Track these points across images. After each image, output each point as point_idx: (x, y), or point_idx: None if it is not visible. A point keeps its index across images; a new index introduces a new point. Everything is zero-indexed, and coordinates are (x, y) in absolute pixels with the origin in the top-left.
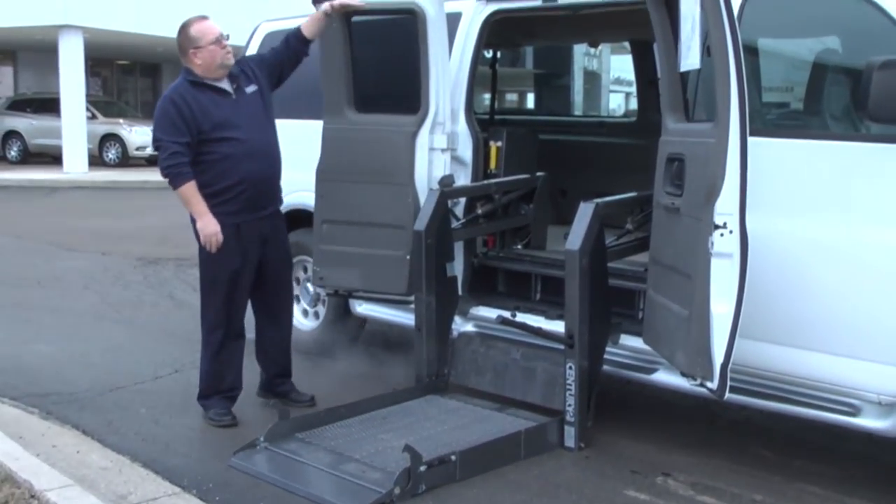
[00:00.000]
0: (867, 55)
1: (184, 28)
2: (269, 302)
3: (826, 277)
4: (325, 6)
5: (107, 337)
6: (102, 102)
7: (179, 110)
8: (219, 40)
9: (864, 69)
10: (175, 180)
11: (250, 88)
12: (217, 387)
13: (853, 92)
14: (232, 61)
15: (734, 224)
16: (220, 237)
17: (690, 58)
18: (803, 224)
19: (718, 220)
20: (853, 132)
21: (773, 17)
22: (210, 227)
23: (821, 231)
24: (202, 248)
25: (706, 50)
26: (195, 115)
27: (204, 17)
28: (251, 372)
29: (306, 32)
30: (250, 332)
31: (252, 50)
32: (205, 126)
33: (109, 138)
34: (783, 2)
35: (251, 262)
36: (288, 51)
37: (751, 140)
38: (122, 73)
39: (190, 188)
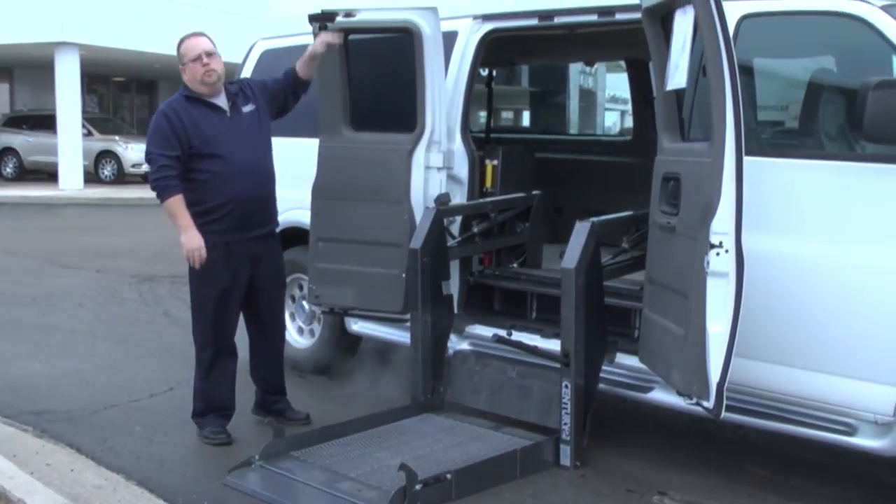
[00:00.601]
0: (862, 75)
1: (178, 44)
2: (260, 321)
3: (822, 296)
4: (318, 46)
5: (101, 354)
6: (98, 119)
7: (171, 124)
8: (199, 58)
9: (859, 89)
10: (162, 193)
11: (247, 108)
12: (210, 404)
13: (848, 112)
14: (213, 79)
15: (730, 243)
16: (204, 252)
17: (677, 77)
18: (799, 243)
19: (714, 240)
20: (848, 152)
21: (768, 36)
22: (193, 241)
23: (816, 250)
24: (193, 271)
25: (702, 69)
26: (186, 130)
27: (195, 35)
28: (247, 390)
29: (301, 73)
30: (245, 350)
31: (248, 67)
32: (195, 141)
33: (105, 155)
34: (778, 21)
35: (240, 281)
36: (287, 84)
37: (746, 159)
38: (119, 89)
39: (176, 202)
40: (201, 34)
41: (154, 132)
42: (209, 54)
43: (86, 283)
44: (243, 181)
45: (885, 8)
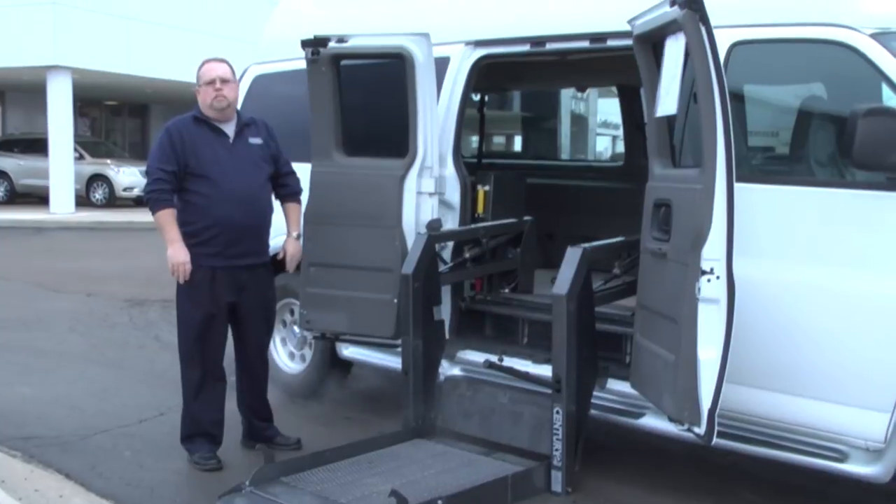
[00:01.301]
0: (852, 102)
1: (199, 65)
2: (245, 350)
3: (812, 323)
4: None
5: (91, 379)
6: (90, 143)
7: (171, 140)
8: (213, 82)
9: (848, 116)
10: (154, 205)
11: (255, 140)
12: (199, 428)
13: (838, 139)
14: (222, 105)
15: (721, 270)
16: (189, 267)
17: (667, 104)
18: (790, 269)
19: (705, 266)
20: (838, 179)
21: (759, 63)
22: (179, 255)
23: (807, 277)
24: (179, 290)
25: (693, 96)
26: (185, 148)
27: (216, 60)
28: (238, 414)
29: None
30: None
31: (241, 92)
32: (191, 160)
33: (97, 179)
34: (769, 49)
35: (225, 307)
36: (278, 180)
37: (737, 186)
38: (111, 113)
39: (166, 215)
40: (223, 60)
41: (156, 147)
42: (224, 81)
43: (76, 307)
44: (234, 207)
45: (874, 36)
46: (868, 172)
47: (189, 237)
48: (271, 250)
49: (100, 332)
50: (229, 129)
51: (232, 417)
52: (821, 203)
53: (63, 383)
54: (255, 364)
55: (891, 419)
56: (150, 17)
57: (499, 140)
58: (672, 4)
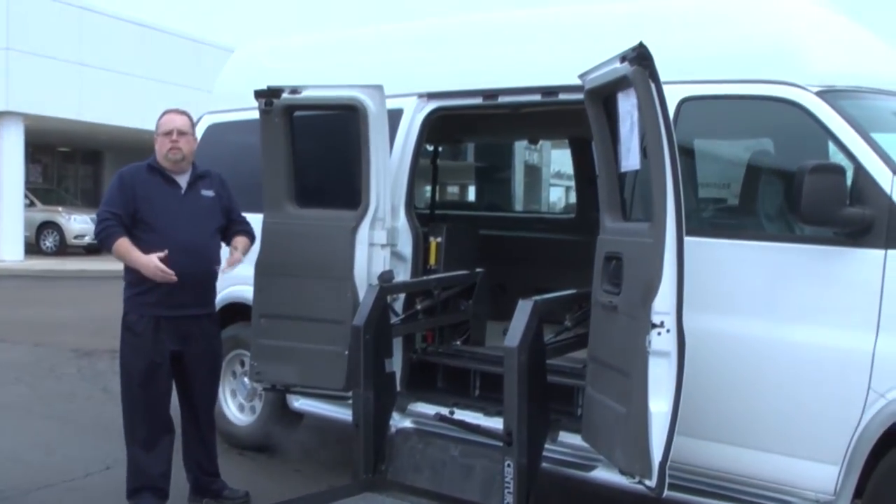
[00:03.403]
0: (799, 158)
1: (160, 115)
2: (191, 402)
3: (761, 376)
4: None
5: (36, 432)
6: (42, 190)
7: (122, 185)
8: (170, 133)
9: (795, 173)
10: (106, 241)
11: (207, 192)
12: (144, 482)
13: (786, 194)
14: (177, 157)
15: (671, 323)
16: (163, 267)
17: (630, 158)
18: (740, 323)
19: (656, 319)
20: (787, 233)
21: (709, 119)
22: (150, 265)
23: (757, 330)
24: (122, 339)
25: (643, 151)
26: (136, 194)
27: (176, 111)
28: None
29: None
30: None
31: None
32: (141, 207)
33: (47, 226)
34: (718, 105)
35: (168, 356)
36: (230, 227)
37: (688, 239)
38: (63, 160)
39: (123, 244)
40: (183, 113)
41: (107, 191)
42: (181, 133)
43: (23, 358)
44: (181, 257)
45: (819, 94)
46: (815, 227)
47: (133, 286)
48: (219, 301)
49: (47, 382)
50: (182, 180)
51: (178, 469)
52: (769, 257)
53: (7, 436)
54: (201, 416)
55: (840, 471)
56: (104, 63)
57: (453, 190)
58: (622, 61)
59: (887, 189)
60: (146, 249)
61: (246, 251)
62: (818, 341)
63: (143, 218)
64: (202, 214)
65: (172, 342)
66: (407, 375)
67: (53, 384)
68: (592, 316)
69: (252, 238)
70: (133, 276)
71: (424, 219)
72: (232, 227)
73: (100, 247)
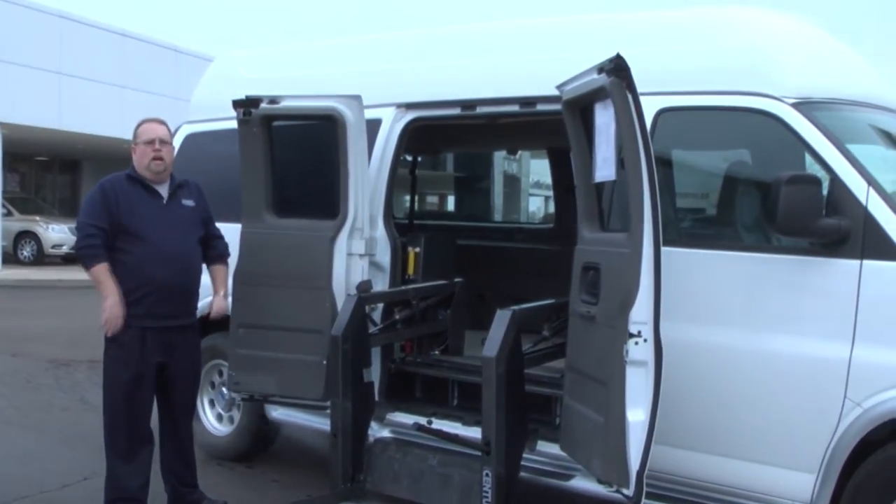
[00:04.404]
0: (776, 169)
1: (137, 124)
2: (172, 412)
3: (739, 385)
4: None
5: (13, 443)
6: (19, 199)
7: (105, 197)
8: (152, 142)
9: (772, 184)
10: (87, 261)
11: (188, 202)
12: (122, 493)
13: (763, 204)
14: (159, 168)
15: (648, 333)
16: (121, 322)
17: (605, 169)
18: (717, 332)
19: (633, 329)
20: (764, 243)
21: (685, 130)
22: (115, 309)
23: (734, 339)
24: (107, 350)
25: (620, 161)
26: (119, 206)
27: (155, 120)
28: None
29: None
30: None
31: None
32: (124, 219)
33: (25, 235)
34: (694, 116)
35: (153, 367)
36: (207, 242)
37: (664, 250)
38: (41, 169)
39: (102, 269)
40: (162, 122)
41: (87, 203)
42: (163, 142)
43: (0, 368)
44: (165, 268)
45: (795, 105)
46: (792, 238)
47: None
48: (199, 310)
49: (24, 393)
50: (164, 189)
51: (156, 483)
52: (746, 267)
53: None
54: (181, 427)
55: (817, 480)
56: (82, 72)
57: (432, 200)
58: (599, 72)
59: (862, 200)
60: (132, 260)
61: (226, 283)
62: (795, 351)
63: (127, 229)
64: (184, 224)
65: (158, 353)
66: (385, 385)
67: (31, 395)
68: (570, 326)
69: (227, 259)
70: (120, 288)
71: (403, 229)
72: (208, 244)
73: (78, 260)
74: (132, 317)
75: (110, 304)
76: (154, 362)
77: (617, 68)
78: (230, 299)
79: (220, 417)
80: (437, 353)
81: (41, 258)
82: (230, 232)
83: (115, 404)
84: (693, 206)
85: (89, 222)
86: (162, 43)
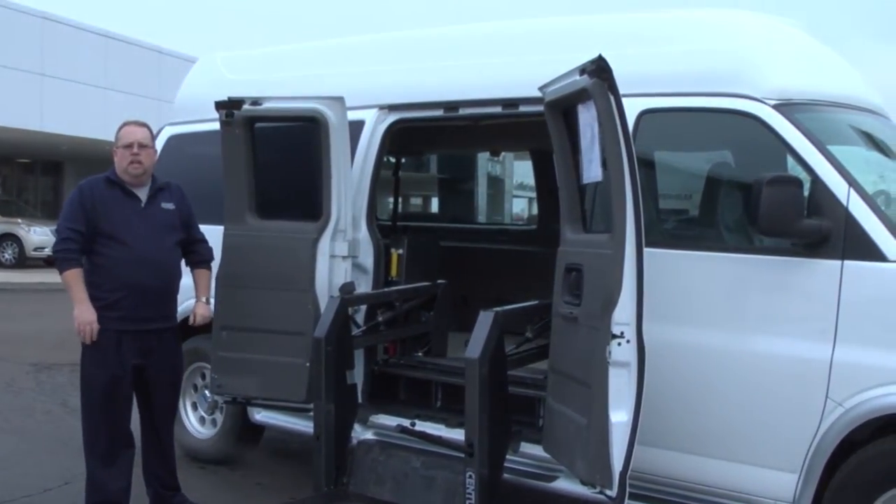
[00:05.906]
0: (758, 170)
1: (119, 126)
2: (151, 415)
3: (721, 385)
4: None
5: None
6: (1, 201)
7: (82, 200)
8: (130, 146)
9: (753, 185)
10: (61, 265)
11: (167, 205)
12: (103, 497)
13: (745, 205)
14: (138, 171)
15: (631, 334)
16: (96, 327)
17: (592, 170)
18: (698, 333)
19: (615, 330)
20: (746, 244)
21: (668, 131)
22: (85, 315)
23: (716, 340)
24: (84, 352)
25: (602, 163)
26: (96, 209)
27: (136, 123)
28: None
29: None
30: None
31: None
32: (102, 222)
33: (6, 238)
34: (676, 117)
35: (131, 370)
36: (189, 246)
37: (648, 251)
38: (23, 171)
39: (73, 275)
40: (143, 125)
41: (66, 205)
42: (142, 146)
43: None
44: (142, 271)
45: (777, 107)
46: (773, 238)
47: (96, 300)
48: (180, 314)
49: (4, 397)
50: (142, 193)
51: (138, 486)
52: (728, 268)
53: None
54: (162, 430)
55: (799, 479)
56: (65, 73)
57: (416, 201)
58: (582, 73)
59: (843, 201)
60: (110, 263)
61: (209, 289)
62: (777, 351)
63: (103, 232)
64: (162, 228)
65: (134, 356)
66: (368, 387)
67: (11, 398)
68: (553, 327)
69: (210, 263)
70: (95, 291)
71: (386, 230)
72: (190, 248)
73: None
74: (108, 319)
75: (79, 312)
76: (131, 365)
77: (599, 70)
78: (213, 302)
79: (202, 421)
80: (420, 354)
81: (23, 261)
82: (213, 234)
83: (92, 407)
84: (675, 208)
85: (66, 225)
86: (145, 44)
